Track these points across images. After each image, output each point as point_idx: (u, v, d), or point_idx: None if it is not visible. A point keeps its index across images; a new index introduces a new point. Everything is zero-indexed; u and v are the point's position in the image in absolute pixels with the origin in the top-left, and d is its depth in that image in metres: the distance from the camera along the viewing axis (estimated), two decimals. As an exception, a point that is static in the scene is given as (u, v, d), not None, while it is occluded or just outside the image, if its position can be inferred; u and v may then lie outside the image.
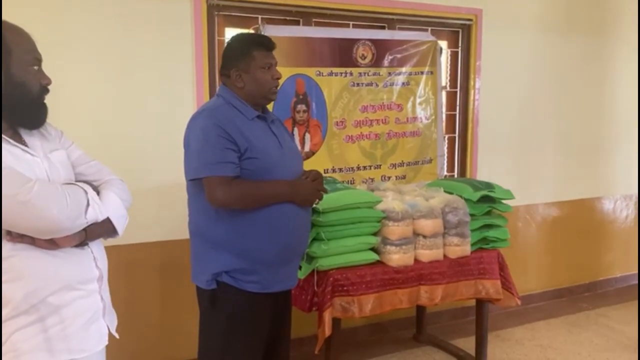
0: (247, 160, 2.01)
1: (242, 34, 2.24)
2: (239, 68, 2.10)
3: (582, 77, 4.34)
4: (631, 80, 4.53)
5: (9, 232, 1.40)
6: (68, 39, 2.70)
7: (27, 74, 1.49)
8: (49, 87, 1.57)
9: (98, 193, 1.60)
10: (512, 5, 3.95)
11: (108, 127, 2.84)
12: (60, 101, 1.59)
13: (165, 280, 3.09)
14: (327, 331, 2.57)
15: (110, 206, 1.59)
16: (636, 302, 4.37)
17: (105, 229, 1.59)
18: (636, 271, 4.85)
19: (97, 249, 1.61)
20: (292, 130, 3.25)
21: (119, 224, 1.62)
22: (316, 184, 2.17)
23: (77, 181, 1.61)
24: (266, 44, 2.13)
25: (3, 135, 1.45)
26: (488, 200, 3.10)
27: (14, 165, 1.40)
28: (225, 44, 2.21)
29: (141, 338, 3.00)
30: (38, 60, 1.53)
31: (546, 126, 4.23)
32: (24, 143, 1.52)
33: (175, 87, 2.98)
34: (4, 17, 1.50)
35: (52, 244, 1.45)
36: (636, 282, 4.80)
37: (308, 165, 3.16)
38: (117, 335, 1.69)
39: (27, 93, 1.49)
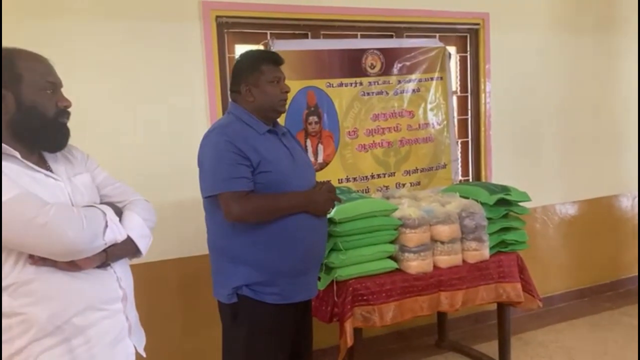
0: (260, 174, 2.04)
1: (250, 51, 2.28)
2: (248, 82, 2.14)
3: (593, 75, 4.32)
4: (642, 76, 4.51)
5: (31, 256, 1.43)
6: (79, 62, 2.75)
7: (39, 98, 1.51)
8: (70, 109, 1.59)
9: (121, 214, 1.62)
10: (519, 7, 3.95)
11: (123, 146, 2.88)
12: (73, 123, 1.62)
13: (186, 296, 3.11)
14: (349, 341, 2.57)
15: (132, 226, 1.61)
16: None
17: (127, 249, 1.61)
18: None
19: (121, 269, 1.63)
20: (305, 141, 3.27)
21: (142, 244, 1.64)
22: (329, 192, 2.20)
23: (101, 203, 1.63)
24: (274, 59, 2.18)
25: (26, 161, 1.49)
26: (504, 204, 3.09)
27: (34, 190, 1.43)
28: (235, 62, 2.25)
29: (164, 356, 3.01)
30: (52, 83, 1.55)
31: (559, 125, 4.21)
32: (48, 168, 1.56)
33: (188, 105, 3.02)
34: (18, 44, 1.54)
35: (73, 265, 1.47)
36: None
37: (322, 176, 3.19)
38: (144, 354, 1.70)
39: (40, 116, 1.51)
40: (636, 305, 4.27)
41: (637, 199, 4.69)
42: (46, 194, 1.46)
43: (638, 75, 4.44)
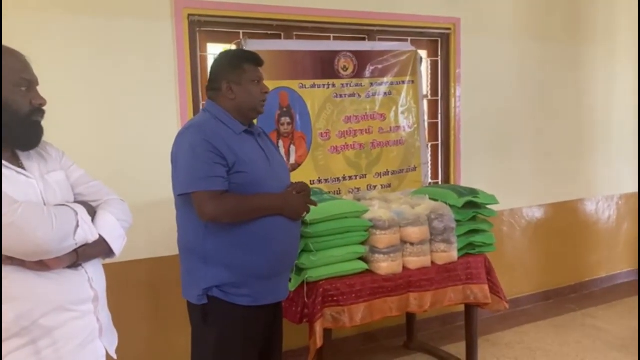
0: (236, 174, 2.02)
1: (230, 50, 2.26)
2: (230, 80, 2.11)
3: (559, 81, 4.42)
4: (606, 83, 4.64)
5: None
6: (47, 58, 2.68)
7: (12, 95, 1.48)
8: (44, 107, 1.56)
9: (95, 213, 1.59)
10: (490, 13, 4.02)
11: (92, 146, 2.83)
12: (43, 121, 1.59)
13: (156, 297, 3.08)
14: (319, 342, 2.58)
15: (105, 226, 1.58)
16: (621, 301, 4.46)
17: (100, 249, 1.58)
18: (619, 271, 4.95)
19: (93, 269, 1.60)
20: (277, 142, 3.26)
21: (115, 245, 1.61)
22: (305, 196, 2.20)
23: (75, 202, 1.60)
24: (256, 60, 2.18)
25: None
26: (473, 206, 3.14)
27: (4, 188, 1.40)
28: (214, 60, 2.23)
29: (133, 356, 2.97)
30: (27, 80, 1.52)
31: (527, 131, 4.30)
32: (20, 165, 1.52)
33: (159, 104, 2.98)
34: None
35: (42, 265, 1.44)
36: (620, 281, 4.90)
37: (294, 177, 3.16)
38: (115, 356, 1.67)
39: (13, 113, 1.48)
40: (599, 307, 4.38)
41: (600, 203, 4.81)
42: (16, 192, 1.43)
43: (638, 80, 4.56)
